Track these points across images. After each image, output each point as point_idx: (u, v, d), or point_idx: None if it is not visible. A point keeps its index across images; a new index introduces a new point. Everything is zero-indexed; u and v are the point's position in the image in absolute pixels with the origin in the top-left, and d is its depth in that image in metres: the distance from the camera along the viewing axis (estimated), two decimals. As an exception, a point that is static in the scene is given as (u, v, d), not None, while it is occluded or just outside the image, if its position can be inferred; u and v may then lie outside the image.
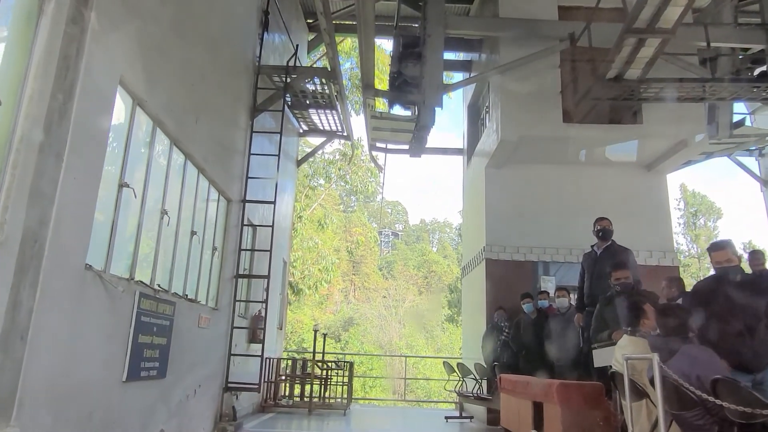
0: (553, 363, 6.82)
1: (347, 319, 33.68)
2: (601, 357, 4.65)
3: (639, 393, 3.85)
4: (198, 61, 5.55)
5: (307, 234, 20.20)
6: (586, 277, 5.45)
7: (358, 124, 18.56)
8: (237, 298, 7.39)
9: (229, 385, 6.96)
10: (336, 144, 20.42)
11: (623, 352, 3.97)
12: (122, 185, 4.05)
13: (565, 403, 4.76)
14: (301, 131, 12.02)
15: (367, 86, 8.19)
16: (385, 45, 20.22)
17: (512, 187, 9.53)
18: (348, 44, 18.00)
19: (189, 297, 5.61)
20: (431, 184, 66.15)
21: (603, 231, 5.40)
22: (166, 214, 4.92)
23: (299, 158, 12.74)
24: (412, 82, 8.60)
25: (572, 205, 9.34)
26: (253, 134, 7.79)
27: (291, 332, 27.43)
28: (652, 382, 3.54)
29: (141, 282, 4.42)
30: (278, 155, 7.77)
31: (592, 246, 5.57)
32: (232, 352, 7.11)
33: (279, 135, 7.94)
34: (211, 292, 6.54)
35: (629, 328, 3.96)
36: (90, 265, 3.58)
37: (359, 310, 35.33)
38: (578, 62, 8.56)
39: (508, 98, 8.84)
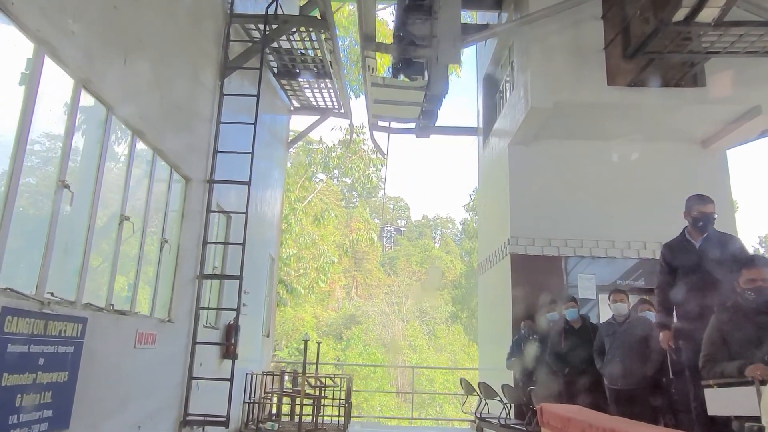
0: (605, 389, 5.25)
1: (349, 317, 32.32)
2: (721, 401, 3.06)
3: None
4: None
5: (303, 229, 18.59)
6: (680, 280, 3.80)
7: (358, 107, 16.92)
8: (202, 305, 5.80)
9: (189, 418, 5.38)
10: (336, 134, 18.86)
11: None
12: (-43, 132, 2.47)
13: (664, 469, 3.17)
14: (291, 108, 10.43)
15: (367, 39, 6.58)
16: (386, 19, 18.59)
17: (542, 168, 7.95)
18: (346, 20, 16.34)
19: (117, 308, 4.03)
20: (433, 179, 64.42)
21: (702, 219, 3.73)
22: (68, 188, 3.33)
23: (290, 140, 11.12)
24: (420, 44, 7.02)
25: (614, 189, 7.80)
26: (225, 98, 6.19)
27: (292, 330, 25.90)
28: None
29: (11, 291, 2.84)
30: (254, 123, 6.15)
31: (684, 234, 3.91)
32: (193, 375, 5.53)
33: (256, 98, 6.32)
34: (161, 298, 4.95)
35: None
36: None
37: (361, 308, 33.96)
38: (628, 9, 6.94)
39: (540, 57, 7.24)
